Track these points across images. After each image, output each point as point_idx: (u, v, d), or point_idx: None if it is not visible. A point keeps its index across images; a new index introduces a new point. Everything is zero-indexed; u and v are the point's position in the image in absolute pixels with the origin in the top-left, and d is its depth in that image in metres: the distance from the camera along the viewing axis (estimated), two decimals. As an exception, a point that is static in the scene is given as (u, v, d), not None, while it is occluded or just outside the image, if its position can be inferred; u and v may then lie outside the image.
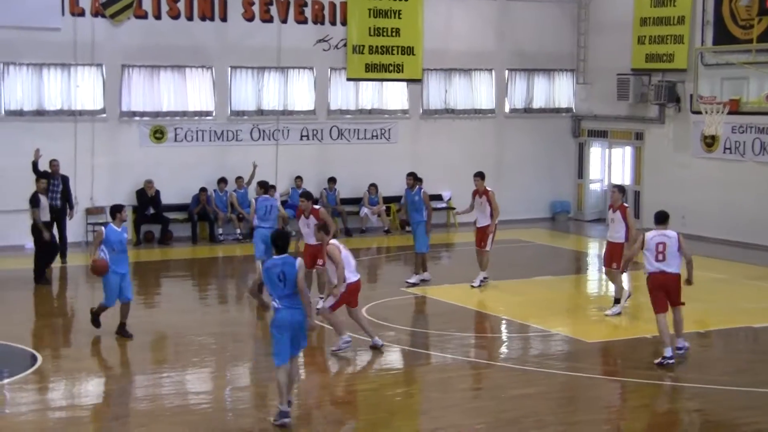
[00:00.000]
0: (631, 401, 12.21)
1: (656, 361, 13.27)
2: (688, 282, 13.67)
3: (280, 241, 10.90)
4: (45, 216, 18.65)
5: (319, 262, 15.71)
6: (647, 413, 11.56)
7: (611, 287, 16.96)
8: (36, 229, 18.49)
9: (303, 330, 10.96)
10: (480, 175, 18.39)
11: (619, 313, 16.08)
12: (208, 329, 15.34)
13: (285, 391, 10.85)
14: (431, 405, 11.96)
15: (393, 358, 14.02)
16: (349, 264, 13.75)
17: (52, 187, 19.99)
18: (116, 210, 14.56)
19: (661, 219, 13.82)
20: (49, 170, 20.10)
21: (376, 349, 13.90)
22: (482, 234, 18.29)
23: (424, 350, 14.23)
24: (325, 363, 13.79)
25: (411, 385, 12.96)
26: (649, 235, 13.68)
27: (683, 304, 13.70)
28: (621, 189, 16.64)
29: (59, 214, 20.10)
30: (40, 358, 13.46)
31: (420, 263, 18.58)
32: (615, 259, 16.09)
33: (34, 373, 12.86)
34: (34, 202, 18.52)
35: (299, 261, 10.84)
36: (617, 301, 16.24)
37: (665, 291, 13.49)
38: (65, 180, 20.45)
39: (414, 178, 18.77)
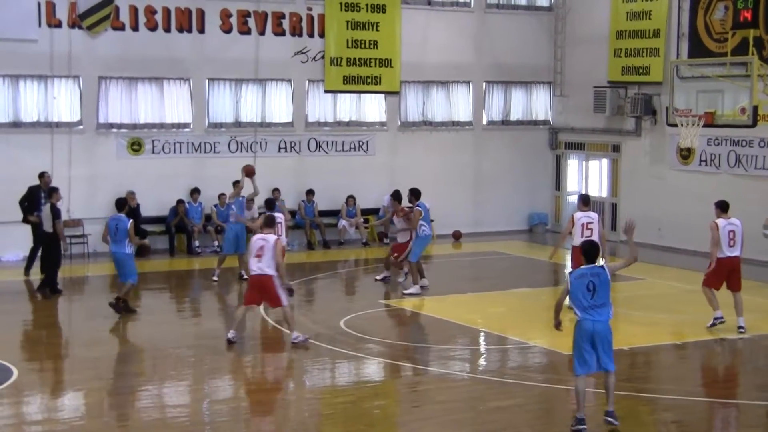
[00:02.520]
0: (609, 413, 12.25)
1: (708, 324, 15.54)
2: None
3: (591, 252, 11.18)
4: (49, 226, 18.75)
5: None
6: (624, 425, 11.59)
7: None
8: (54, 239, 18.59)
9: (609, 344, 10.99)
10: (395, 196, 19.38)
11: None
12: (186, 342, 15.30)
13: (582, 399, 10.99)
14: (409, 417, 11.96)
15: (371, 370, 14.02)
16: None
17: (43, 200, 19.99)
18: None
19: (725, 207, 15.59)
20: (40, 183, 20.16)
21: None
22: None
23: (403, 362, 14.23)
24: (302, 376, 13.78)
25: (389, 397, 12.96)
26: (721, 223, 15.34)
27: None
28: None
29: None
30: (15, 371, 13.37)
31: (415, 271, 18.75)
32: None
33: (9, 387, 12.76)
34: (57, 212, 18.65)
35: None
36: None
37: (730, 273, 15.48)
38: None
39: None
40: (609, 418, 11.08)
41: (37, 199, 20.02)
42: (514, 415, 11.79)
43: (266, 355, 14.68)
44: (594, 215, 16.96)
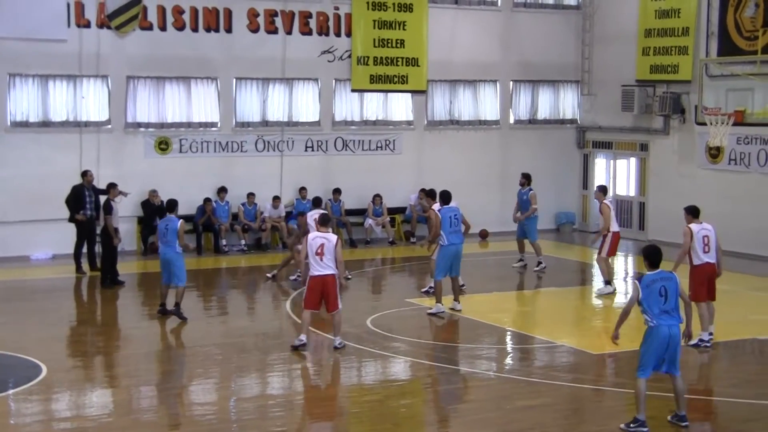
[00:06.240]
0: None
1: (691, 342, 13.96)
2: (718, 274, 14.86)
3: (653, 258, 11.11)
4: (116, 222, 19.38)
5: None
6: (652, 425, 11.51)
7: (618, 298, 16.99)
8: (106, 234, 19.17)
9: (678, 347, 11.06)
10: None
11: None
12: (213, 340, 15.34)
13: (642, 401, 11.01)
14: (436, 416, 11.95)
15: (398, 369, 14.01)
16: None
17: (88, 198, 20.19)
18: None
19: (696, 213, 14.81)
20: (83, 181, 20.45)
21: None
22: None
23: (429, 361, 14.20)
24: (330, 374, 13.79)
25: (416, 396, 12.94)
26: (695, 229, 14.62)
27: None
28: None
29: (94, 225, 20.40)
30: (44, 368, 13.46)
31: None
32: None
33: (38, 384, 12.85)
34: (107, 208, 19.13)
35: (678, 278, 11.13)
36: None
37: (708, 282, 14.62)
38: (96, 190, 20.58)
39: (523, 177, 21.12)
40: (682, 423, 11.13)
41: (82, 197, 20.22)
42: (541, 415, 11.74)
43: (293, 354, 14.68)
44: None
